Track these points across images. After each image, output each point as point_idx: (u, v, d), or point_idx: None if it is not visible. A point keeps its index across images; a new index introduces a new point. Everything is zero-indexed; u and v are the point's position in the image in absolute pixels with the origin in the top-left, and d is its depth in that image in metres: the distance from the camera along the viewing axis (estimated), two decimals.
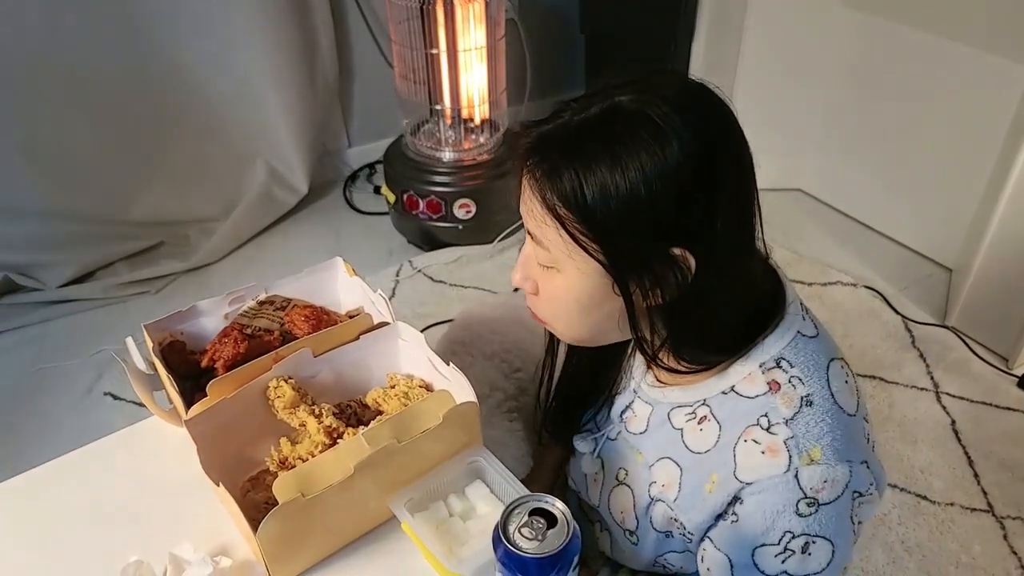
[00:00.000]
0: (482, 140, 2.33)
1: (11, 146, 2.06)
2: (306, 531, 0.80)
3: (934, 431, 1.76)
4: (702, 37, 2.38)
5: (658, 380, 0.86)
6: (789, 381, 0.74)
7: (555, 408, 1.03)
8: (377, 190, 2.64)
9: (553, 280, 0.75)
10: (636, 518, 0.88)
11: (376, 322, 1.01)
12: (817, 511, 0.71)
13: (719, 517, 0.78)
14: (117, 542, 0.87)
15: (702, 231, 0.68)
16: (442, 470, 0.86)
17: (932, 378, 1.89)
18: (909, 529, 1.55)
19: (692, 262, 0.69)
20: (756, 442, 0.74)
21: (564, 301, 0.76)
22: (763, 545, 0.73)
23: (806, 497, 0.71)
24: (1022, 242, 1.82)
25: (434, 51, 2.13)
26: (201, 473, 0.80)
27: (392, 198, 2.36)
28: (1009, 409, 1.81)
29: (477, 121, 2.34)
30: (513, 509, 0.68)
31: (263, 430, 0.91)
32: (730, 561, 0.76)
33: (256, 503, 0.87)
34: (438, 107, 2.26)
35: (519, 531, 0.66)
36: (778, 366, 0.75)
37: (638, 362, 0.91)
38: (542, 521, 0.67)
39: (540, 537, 0.66)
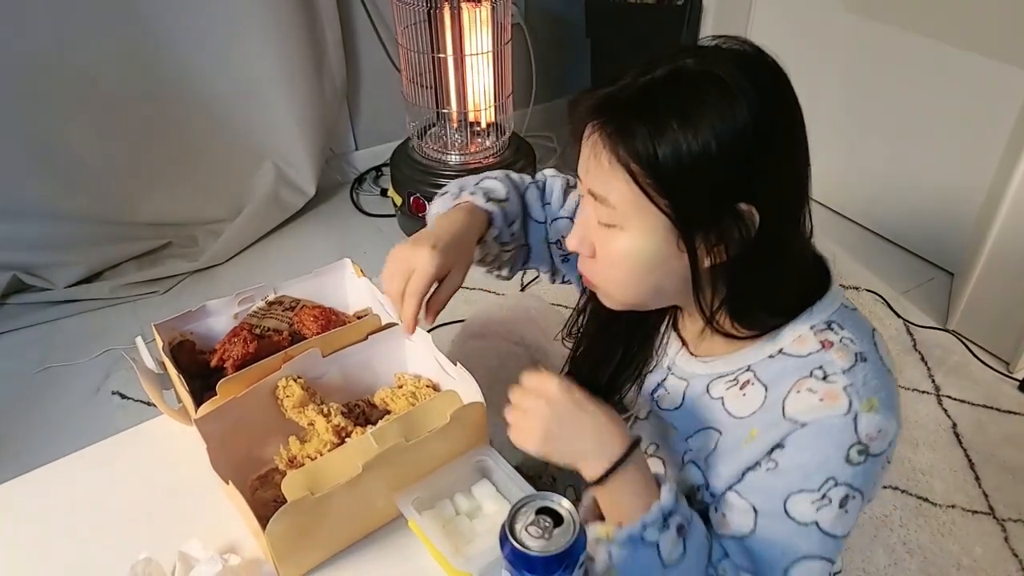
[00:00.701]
0: (488, 143, 2.34)
1: (19, 147, 2.08)
2: (314, 529, 0.81)
3: (935, 434, 1.77)
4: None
5: (694, 353, 0.86)
6: (841, 340, 0.75)
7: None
8: (384, 193, 2.65)
9: (615, 240, 0.74)
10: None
11: (384, 323, 1.02)
12: (865, 461, 0.71)
13: (748, 471, 0.76)
14: (126, 540, 0.88)
15: (767, 188, 0.70)
16: (449, 469, 0.87)
17: (933, 381, 1.90)
18: (910, 531, 1.55)
19: (757, 217, 0.70)
20: (811, 391, 0.73)
21: (625, 261, 0.75)
22: (800, 491, 0.72)
23: (860, 443, 0.70)
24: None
25: (441, 55, 2.15)
26: (210, 471, 0.81)
27: (399, 201, 2.37)
28: (1010, 412, 1.82)
29: (483, 125, 2.35)
30: (520, 508, 0.69)
31: (272, 429, 0.92)
32: (754, 509, 0.75)
33: (265, 501, 0.88)
34: (444, 111, 2.27)
35: (526, 529, 0.67)
36: (829, 328, 0.76)
37: (671, 339, 0.90)
38: (549, 520, 0.68)
39: (547, 536, 0.67)
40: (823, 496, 0.71)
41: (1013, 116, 1.90)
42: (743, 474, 0.76)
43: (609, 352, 0.95)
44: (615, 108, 0.70)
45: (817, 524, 0.72)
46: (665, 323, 0.91)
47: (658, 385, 0.91)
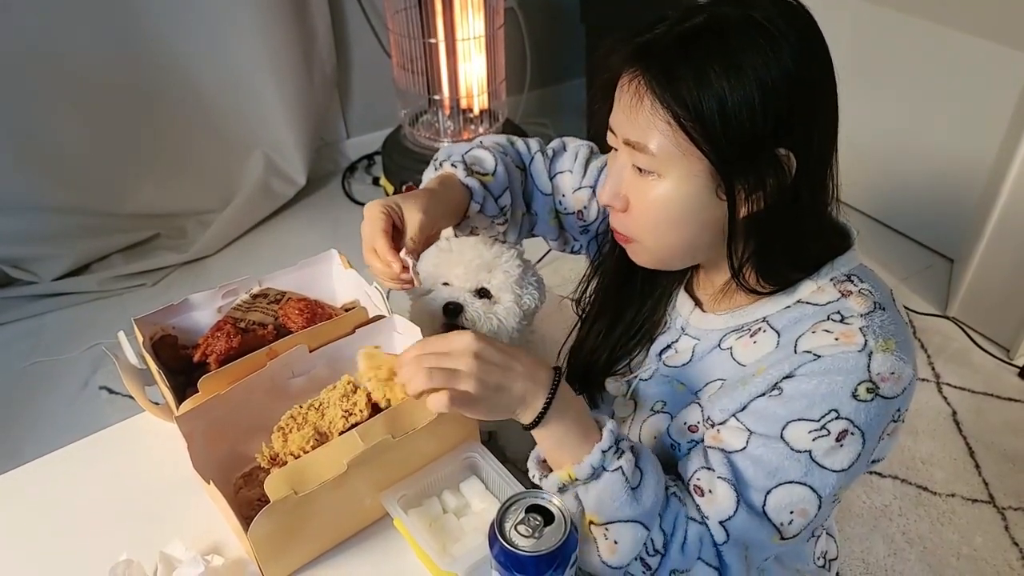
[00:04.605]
0: (481, 130, 2.31)
1: (4, 139, 2.04)
2: (298, 529, 0.79)
3: (935, 422, 1.75)
4: None
5: (708, 311, 0.86)
6: (860, 291, 0.75)
7: (594, 359, 0.99)
8: (376, 181, 2.63)
9: (652, 188, 0.74)
10: (670, 435, 0.85)
11: (371, 315, 0.99)
12: (872, 401, 0.70)
13: (752, 400, 0.75)
14: (106, 540, 0.85)
15: (804, 133, 0.71)
16: (437, 466, 0.85)
17: (933, 369, 1.89)
18: (910, 520, 1.54)
19: (794, 163, 0.71)
20: (827, 331, 0.73)
21: (661, 209, 0.75)
22: (800, 420, 0.71)
23: (870, 381, 0.70)
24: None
25: (432, 40, 2.12)
26: (192, 470, 0.79)
27: (391, 189, 2.35)
28: (1010, 400, 1.80)
29: (476, 111, 2.33)
30: (509, 506, 0.67)
31: (256, 426, 0.89)
32: (749, 430, 0.74)
33: (249, 500, 0.85)
34: (437, 97, 2.25)
35: (515, 528, 0.65)
36: (849, 280, 0.77)
37: (684, 300, 0.90)
38: (539, 518, 0.66)
39: (537, 534, 0.65)
40: (822, 427, 0.71)
41: (1013, 101, 1.87)
42: (747, 404, 0.76)
43: (620, 315, 0.95)
44: (657, 53, 0.70)
45: (810, 453, 0.71)
46: (677, 285, 0.92)
47: (668, 346, 0.90)
